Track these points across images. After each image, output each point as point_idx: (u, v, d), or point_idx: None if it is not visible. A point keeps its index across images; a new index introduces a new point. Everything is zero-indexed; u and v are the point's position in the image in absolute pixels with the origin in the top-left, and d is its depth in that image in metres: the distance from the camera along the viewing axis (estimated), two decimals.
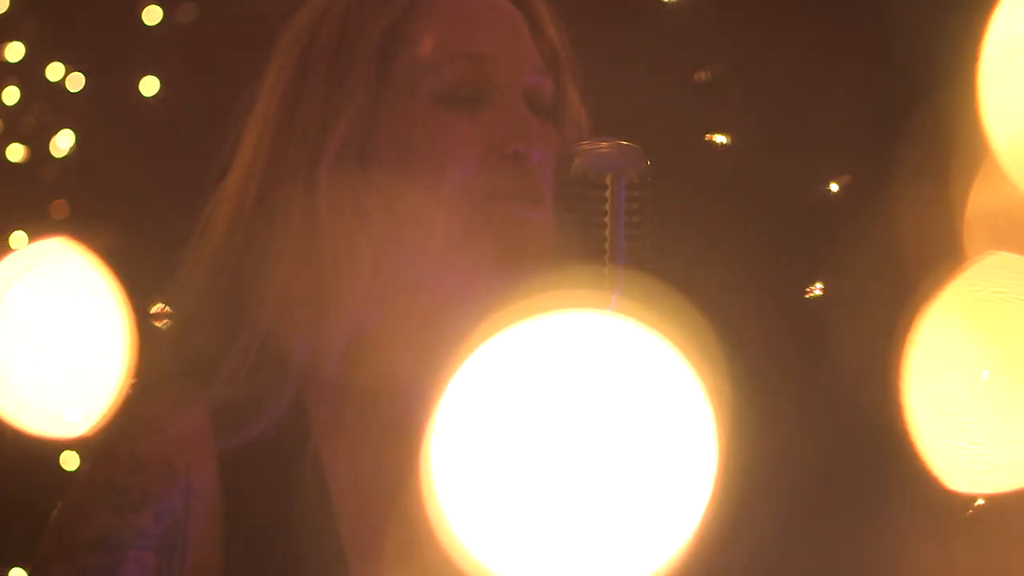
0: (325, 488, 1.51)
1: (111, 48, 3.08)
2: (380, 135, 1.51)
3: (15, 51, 3.03)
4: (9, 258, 1.47)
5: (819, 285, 2.47)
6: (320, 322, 1.49)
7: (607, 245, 1.35)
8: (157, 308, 1.58)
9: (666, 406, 1.16)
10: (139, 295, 2.08)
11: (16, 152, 3.00)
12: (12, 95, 3.00)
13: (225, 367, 1.49)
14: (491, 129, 1.49)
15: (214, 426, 1.49)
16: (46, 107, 3.02)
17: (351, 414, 1.53)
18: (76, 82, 3.04)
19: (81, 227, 2.94)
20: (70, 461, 2.98)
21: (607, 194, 1.35)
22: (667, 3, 2.51)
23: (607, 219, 1.35)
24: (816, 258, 2.51)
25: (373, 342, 1.52)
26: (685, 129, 2.48)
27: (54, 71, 3.02)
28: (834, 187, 2.45)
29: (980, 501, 1.86)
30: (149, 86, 3.06)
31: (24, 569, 2.99)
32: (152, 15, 3.07)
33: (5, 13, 3.02)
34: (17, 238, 2.99)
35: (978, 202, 1.97)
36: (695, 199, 2.28)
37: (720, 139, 2.49)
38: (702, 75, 2.52)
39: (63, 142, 3.02)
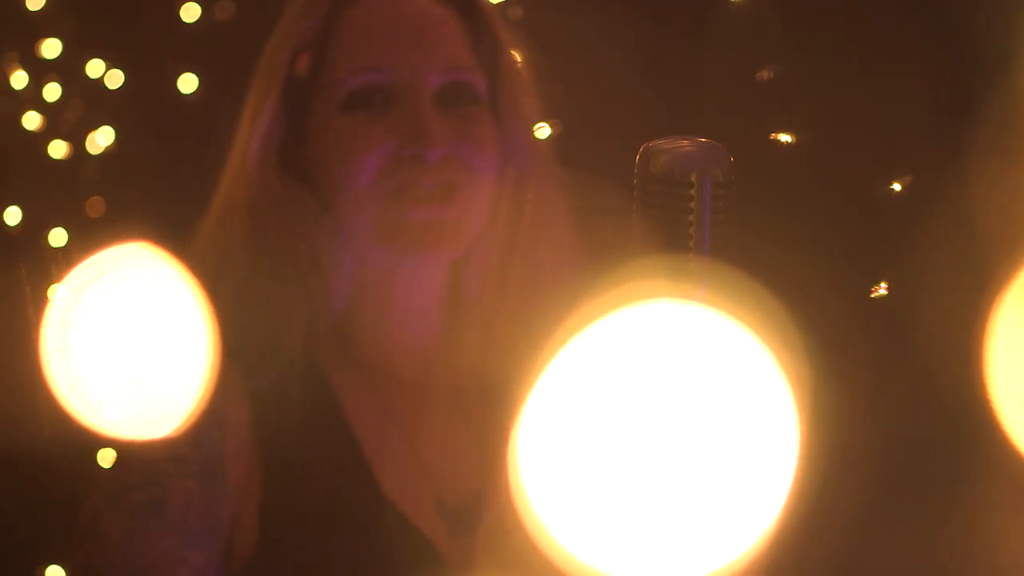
0: (345, 422, 1.62)
1: (149, 45, 3.08)
2: (309, 142, 1.66)
3: (52, 48, 3.03)
4: (85, 263, 1.48)
5: (883, 285, 2.47)
6: (301, 301, 1.62)
7: (692, 242, 1.37)
8: None
9: (748, 393, 1.16)
10: None
11: (58, 149, 2.99)
12: (53, 92, 3.00)
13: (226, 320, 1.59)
14: (391, 133, 1.63)
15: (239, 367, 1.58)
16: (86, 104, 3.02)
17: (356, 363, 1.66)
18: (115, 79, 3.04)
19: (117, 224, 2.94)
20: (107, 458, 2.97)
21: (692, 192, 1.37)
22: (732, 2, 2.52)
23: (692, 217, 1.37)
24: (891, 246, 2.52)
25: (358, 316, 1.66)
26: (751, 128, 2.48)
27: (94, 68, 3.02)
28: (896, 187, 2.45)
29: None
30: (187, 83, 3.06)
31: (62, 567, 2.98)
32: (190, 12, 3.07)
33: (42, 9, 3.02)
34: (56, 235, 2.99)
35: None
36: (763, 198, 2.28)
37: (785, 138, 2.49)
38: (765, 74, 2.53)
39: (102, 139, 3.02)
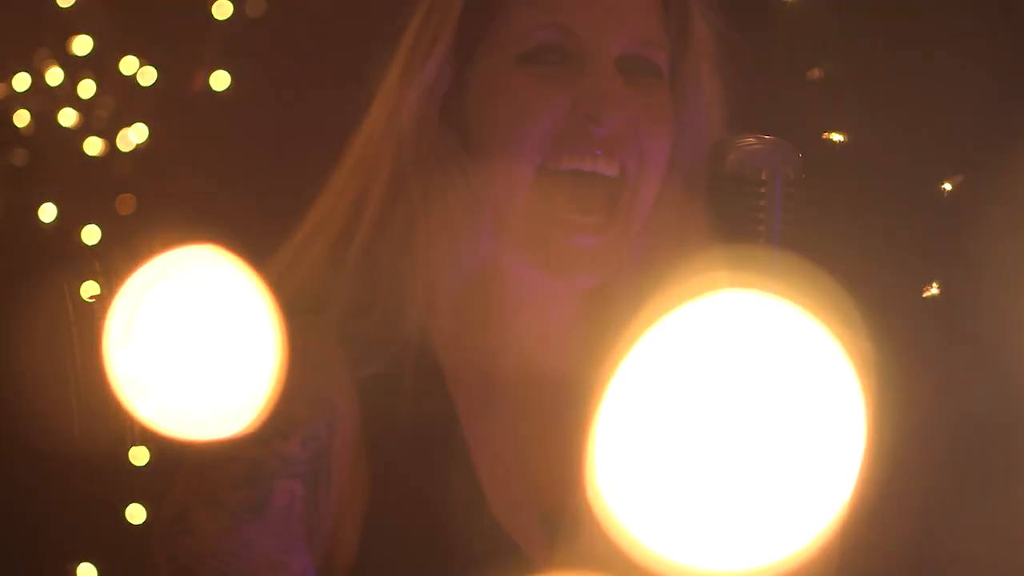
0: (458, 426, 1.52)
1: (182, 42, 3.08)
2: (471, 96, 1.56)
3: (83, 44, 3.03)
4: (148, 264, 1.46)
5: (935, 285, 2.47)
6: (419, 277, 1.52)
7: (762, 239, 1.38)
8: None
9: (816, 383, 1.16)
10: None
11: (93, 146, 2.99)
12: (88, 88, 3.00)
13: (338, 303, 1.51)
14: (567, 90, 1.53)
15: (347, 356, 1.50)
16: (119, 101, 3.02)
17: (474, 364, 1.56)
18: (148, 76, 3.04)
19: (148, 222, 2.94)
20: (139, 457, 2.97)
21: (763, 190, 1.38)
22: (786, 3, 2.52)
23: (763, 214, 1.38)
24: (955, 240, 2.52)
25: (478, 302, 1.56)
26: (803, 127, 2.48)
27: (128, 65, 3.02)
28: (947, 186, 2.45)
29: None
30: (220, 81, 3.05)
31: (93, 564, 2.98)
32: (222, 9, 3.06)
33: (74, 6, 3.02)
34: (89, 232, 2.99)
35: None
36: (823, 197, 2.29)
37: (837, 138, 2.49)
38: (816, 73, 2.53)
39: (134, 136, 3.02)
